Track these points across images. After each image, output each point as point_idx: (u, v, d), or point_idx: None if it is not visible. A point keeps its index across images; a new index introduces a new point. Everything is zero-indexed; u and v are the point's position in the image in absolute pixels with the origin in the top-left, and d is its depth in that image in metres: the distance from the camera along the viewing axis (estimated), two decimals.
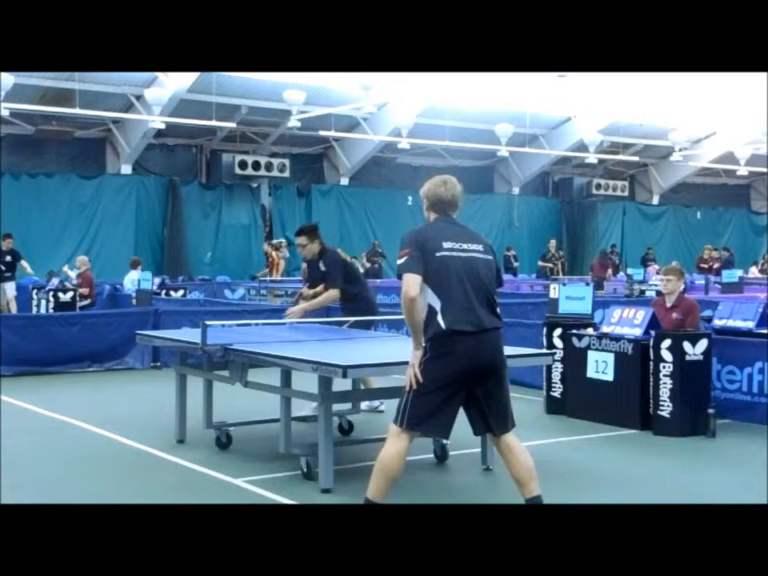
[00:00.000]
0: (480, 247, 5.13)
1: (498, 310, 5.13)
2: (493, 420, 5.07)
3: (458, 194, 5.25)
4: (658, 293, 10.65)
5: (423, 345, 4.97)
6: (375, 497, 4.98)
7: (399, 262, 4.99)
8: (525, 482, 5.05)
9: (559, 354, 8.81)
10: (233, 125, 22.75)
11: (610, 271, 23.16)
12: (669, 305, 8.62)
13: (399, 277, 5.00)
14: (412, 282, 4.89)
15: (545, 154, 27.62)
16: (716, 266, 24.65)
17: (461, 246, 5.06)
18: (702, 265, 25.08)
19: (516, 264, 26.79)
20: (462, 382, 4.94)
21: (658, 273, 17.04)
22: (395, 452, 4.96)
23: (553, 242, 26.37)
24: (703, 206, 33.27)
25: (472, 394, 5.00)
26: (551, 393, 8.96)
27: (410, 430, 4.96)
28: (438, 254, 4.97)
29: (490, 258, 5.17)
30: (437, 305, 4.95)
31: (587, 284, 13.06)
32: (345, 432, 7.81)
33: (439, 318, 4.92)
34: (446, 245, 5.02)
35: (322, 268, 8.96)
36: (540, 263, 25.47)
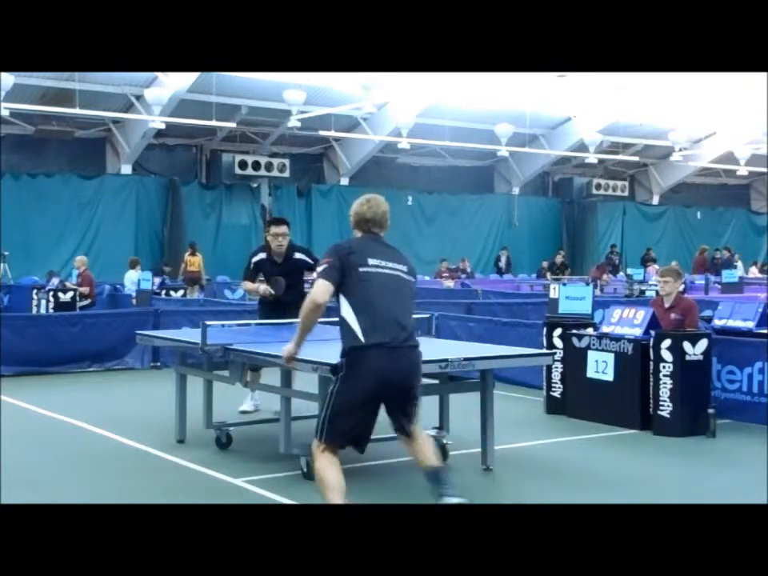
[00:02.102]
0: (404, 268, 5.17)
1: (414, 329, 5.16)
2: (397, 425, 5.12)
3: (381, 213, 5.23)
4: (657, 293, 10.65)
5: (340, 360, 4.99)
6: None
7: (318, 269, 5.07)
8: (426, 465, 5.13)
9: (559, 354, 8.81)
10: (233, 125, 22.75)
11: (605, 276, 23.10)
12: (667, 305, 8.62)
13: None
14: (323, 289, 4.94)
15: (545, 154, 27.63)
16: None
17: (385, 263, 5.08)
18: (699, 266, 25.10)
19: (501, 265, 26.84)
20: (377, 397, 4.96)
21: (657, 273, 17.01)
22: (325, 465, 4.93)
23: (559, 257, 26.33)
24: (703, 205, 33.27)
25: (386, 404, 5.05)
26: (551, 393, 8.96)
27: (331, 445, 4.96)
28: (361, 269, 5.00)
29: (412, 279, 5.22)
30: (353, 319, 4.95)
31: (587, 284, 13.07)
32: None
33: (357, 331, 4.92)
34: (371, 261, 5.05)
35: (302, 257, 8.66)
36: (549, 276, 25.31)
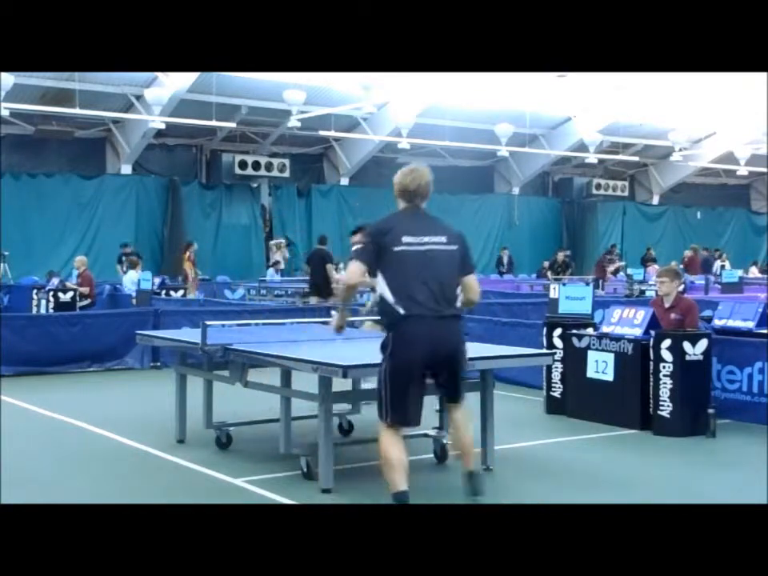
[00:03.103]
0: (443, 238, 5.29)
1: (457, 301, 5.33)
2: (446, 391, 5.43)
3: (425, 184, 5.39)
4: (657, 293, 10.65)
5: (385, 337, 5.25)
6: (394, 488, 5.14)
7: (353, 248, 5.35)
8: (461, 456, 5.48)
9: (559, 354, 8.80)
10: (233, 125, 22.75)
11: (611, 267, 23.10)
12: (667, 305, 8.61)
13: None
14: (356, 271, 5.24)
15: (545, 153, 27.62)
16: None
17: (421, 239, 5.23)
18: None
19: (503, 267, 26.81)
20: (424, 366, 5.18)
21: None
22: (389, 443, 5.19)
23: (560, 255, 26.29)
24: (703, 206, 33.26)
25: (433, 373, 5.28)
26: (551, 393, 8.96)
27: (397, 424, 5.22)
28: (395, 249, 5.17)
29: (454, 247, 5.32)
30: (390, 296, 5.17)
31: (587, 284, 13.06)
32: (345, 432, 7.81)
33: (396, 305, 5.15)
34: (405, 239, 5.20)
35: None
36: (550, 275, 25.26)
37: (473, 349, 7.34)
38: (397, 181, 5.42)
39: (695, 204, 33.11)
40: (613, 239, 30.72)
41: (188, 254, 20.17)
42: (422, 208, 5.40)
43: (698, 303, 9.30)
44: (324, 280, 15.64)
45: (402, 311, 5.11)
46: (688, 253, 25.46)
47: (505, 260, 27.16)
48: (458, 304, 5.35)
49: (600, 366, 8.40)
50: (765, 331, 8.67)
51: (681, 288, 9.03)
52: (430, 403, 7.26)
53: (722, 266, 26.85)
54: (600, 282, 20.85)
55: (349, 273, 5.31)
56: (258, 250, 25.69)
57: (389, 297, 5.17)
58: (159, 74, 20.49)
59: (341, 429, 7.77)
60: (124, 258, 20.46)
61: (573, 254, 29.99)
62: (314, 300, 15.36)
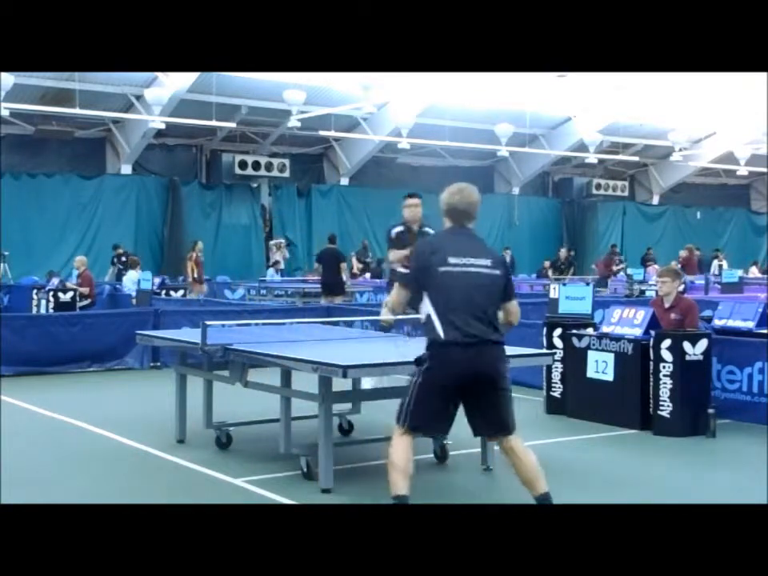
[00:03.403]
0: (488, 262, 5.23)
1: (498, 325, 5.25)
2: (486, 424, 5.28)
3: (473, 203, 5.39)
4: (657, 293, 10.65)
5: (424, 353, 5.20)
6: (395, 490, 5.13)
7: (404, 271, 5.47)
8: (529, 483, 5.17)
9: (559, 354, 8.80)
10: (233, 125, 22.75)
11: (615, 267, 23.07)
12: (667, 305, 8.61)
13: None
14: (400, 299, 5.43)
15: (545, 153, 27.63)
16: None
17: (467, 260, 5.18)
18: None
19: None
20: (458, 388, 5.13)
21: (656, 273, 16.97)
22: (399, 447, 5.17)
23: (563, 251, 26.29)
24: (703, 206, 33.26)
25: (468, 399, 5.20)
26: (551, 393, 8.96)
27: (411, 431, 5.19)
28: (440, 269, 5.14)
29: (498, 272, 5.25)
30: (434, 315, 5.14)
31: (587, 284, 13.06)
32: (345, 432, 7.81)
33: (438, 327, 5.11)
34: (451, 260, 5.16)
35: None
36: (551, 273, 25.20)
37: None
38: (445, 201, 5.40)
39: (695, 204, 33.12)
40: (613, 239, 30.72)
41: (191, 253, 20.20)
42: (469, 228, 5.37)
43: (698, 303, 9.30)
44: (337, 279, 15.76)
45: (442, 335, 5.09)
46: (683, 253, 25.44)
47: (507, 260, 27.09)
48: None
49: (600, 366, 8.40)
50: (765, 331, 8.67)
51: (681, 288, 9.02)
52: None
53: (720, 266, 26.85)
54: (605, 281, 20.78)
55: (393, 300, 5.46)
56: (258, 250, 25.70)
57: (433, 317, 5.14)
58: (159, 74, 20.50)
59: (341, 429, 7.77)
60: (116, 260, 20.48)
61: (573, 254, 30.00)
62: (325, 300, 15.37)
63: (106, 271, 21.50)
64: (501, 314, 5.34)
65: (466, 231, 5.36)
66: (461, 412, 5.26)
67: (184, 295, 17.31)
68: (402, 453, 5.16)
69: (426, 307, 5.18)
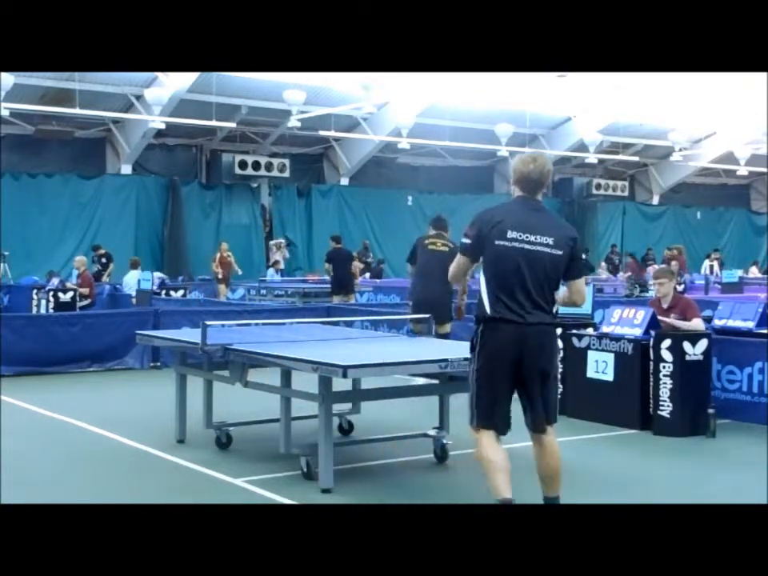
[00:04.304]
0: (550, 240, 4.96)
1: (549, 307, 5.04)
2: (530, 415, 5.10)
3: (547, 173, 5.09)
4: (655, 294, 10.64)
5: (474, 332, 5.06)
6: (496, 494, 4.93)
7: (463, 239, 5.11)
8: (545, 480, 5.19)
9: (559, 354, 8.79)
10: (233, 125, 22.76)
11: (649, 269, 22.86)
12: (665, 306, 8.59)
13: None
14: (459, 268, 5.17)
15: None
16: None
17: (526, 237, 4.93)
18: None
19: None
20: (509, 372, 4.93)
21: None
22: (486, 445, 4.98)
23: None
24: (703, 205, 33.27)
25: (520, 385, 5.02)
26: None
27: (483, 428, 5.01)
28: (497, 242, 4.91)
29: (559, 252, 4.97)
30: (485, 290, 4.97)
31: (587, 284, 13.04)
32: (345, 432, 7.81)
33: (486, 302, 4.95)
34: (509, 234, 4.92)
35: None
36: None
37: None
38: (517, 168, 5.09)
39: (695, 204, 33.12)
40: (613, 239, 30.75)
41: (215, 254, 20.33)
42: (539, 201, 5.11)
43: (698, 303, 9.30)
44: (349, 278, 15.89)
45: (488, 311, 4.90)
46: (668, 253, 25.43)
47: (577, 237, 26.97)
48: (555, 308, 5.10)
49: (600, 366, 8.40)
50: (765, 331, 8.67)
51: (681, 288, 9.02)
52: (430, 402, 7.28)
53: (711, 266, 26.88)
54: (639, 282, 20.26)
55: (453, 269, 5.22)
56: (258, 250, 25.71)
57: (484, 293, 4.94)
58: (159, 74, 20.51)
59: (341, 429, 7.77)
60: (96, 260, 20.45)
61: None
62: (336, 299, 15.41)
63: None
64: (563, 293, 5.13)
65: (535, 204, 5.08)
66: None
67: (184, 295, 17.31)
68: (492, 449, 4.93)
69: (480, 281, 4.99)
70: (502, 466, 4.92)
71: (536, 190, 5.10)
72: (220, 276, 20.05)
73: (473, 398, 5.01)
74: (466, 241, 5.05)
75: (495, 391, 4.95)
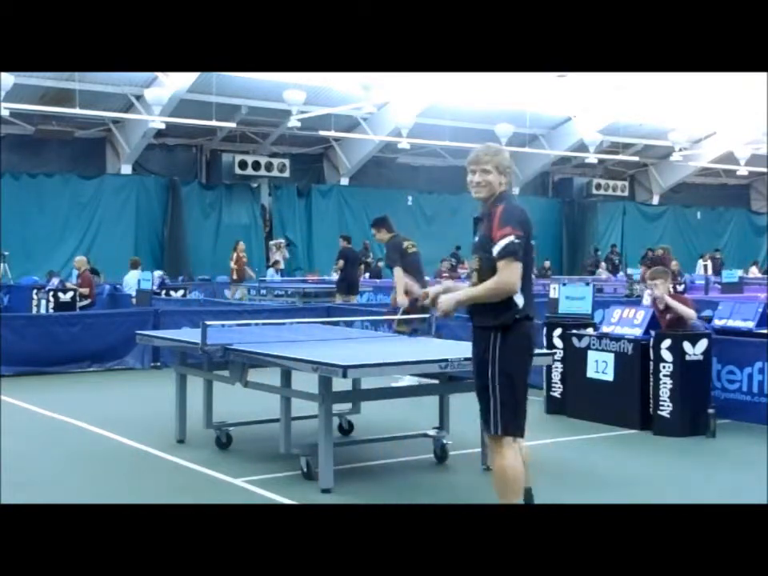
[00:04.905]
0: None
1: None
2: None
3: None
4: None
5: (500, 328, 4.62)
6: (519, 498, 4.72)
7: (511, 240, 4.56)
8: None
9: (559, 354, 8.80)
10: (233, 125, 22.76)
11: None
12: (662, 306, 8.55)
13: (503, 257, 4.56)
14: (518, 276, 4.58)
15: (545, 153, 27.63)
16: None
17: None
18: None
19: None
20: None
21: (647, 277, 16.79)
22: (515, 462, 4.66)
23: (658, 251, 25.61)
24: (703, 206, 33.28)
25: None
26: (551, 393, 8.96)
27: (513, 435, 4.70)
28: (531, 241, 4.75)
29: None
30: (520, 294, 4.65)
31: (587, 284, 13.05)
32: (345, 432, 7.81)
33: (519, 302, 4.61)
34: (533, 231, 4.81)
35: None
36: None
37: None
38: (511, 165, 4.92)
39: (695, 204, 33.13)
40: (613, 239, 30.76)
41: (232, 254, 20.33)
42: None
43: (698, 303, 9.30)
44: (357, 279, 16.32)
45: (521, 309, 4.59)
46: (650, 254, 25.44)
47: None
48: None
49: (600, 366, 8.40)
50: (765, 331, 8.67)
51: (681, 288, 9.02)
52: (430, 402, 7.28)
53: (705, 266, 26.89)
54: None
55: (515, 278, 4.56)
56: (258, 250, 25.71)
57: (518, 296, 4.60)
58: (159, 74, 20.51)
59: (341, 429, 7.77)
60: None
61: (572, 255, 30.02)
62: (341, 299, 15.40)
63: (107, 271, 21.47)
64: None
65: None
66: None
67: (184, 295, 17.32)
68: (519, 469, 4.64)
69: None
70: (521, 487, 4.69)
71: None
72: (235, 276, 20.06)
73: (508, 404, 4.60)
74: (518, 242, 4.59)
75: (526, 393, 4.72)
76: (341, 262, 16.02)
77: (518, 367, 4.66)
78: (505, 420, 4.61)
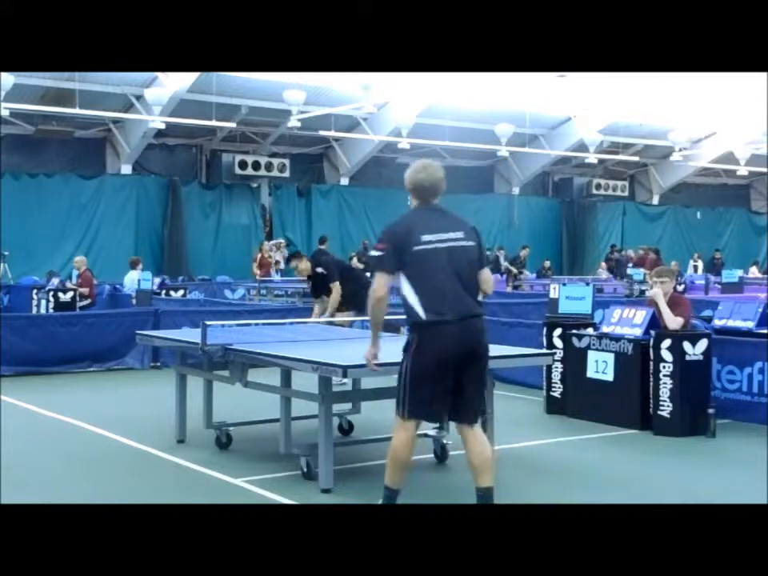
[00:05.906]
0: (461, 234, 5.21)
1: (479, 297, 5.23)
2: (463, 410, 5.18)
3: (439, 180, 5.34)
4: None
5: (408, 336, 5.18)
6: (390, 484, 5.17)
7: (373, 254, 5.17)
8: (478, 469, 5.15)
9: (559, 354, 8.80)
10: (233, 125, 22.75)
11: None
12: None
13: (371, 271, 5.21)
14: (382, 282, 5.09)
15: (545, 153, 27.61)
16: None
17: (440, 236, 5.13)
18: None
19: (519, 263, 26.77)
20: (449, 368, 5.04)
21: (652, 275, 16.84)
22: (402, 440, 5.12)
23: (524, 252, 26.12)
24: (703, 206, 33.25)
25: (457, 380, 5.11)
26: (551, 393, 8.96)
27: (411, 419, 5.12)
28: (415, 248, 5.07)
29: (472, 243, 5.22)
30: (413, 297, 5.07)
31: (587, 284, 13.06)
32: (345, 432, 7.81)
33: (418, 308, 5.05)
34: (424, 238, 5.10)
35: (322, 271, 10.03)
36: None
37: None
38: (411, 179, 5.31)
39: (695, 204, 33.10)
40: (613, 239, 30.73)
41: (255, 254, 20.32)
42: (436, 204, 5.33)
43: (697, 303, 9.30)
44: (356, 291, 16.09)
45: (424, 317, 5.02)
46: (631, 252, 25.45)
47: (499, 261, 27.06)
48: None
49: (600, 366, 8.40)
50: (765, 331, 8.67)
51: (681, 287, 9.02)
52: None
53: (696, 267, 26.87)
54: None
55: (377, 285, 5.11)
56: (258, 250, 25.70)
57: (413, 300, 5.06)
58: (159, 74, 20.49)
59: (341, 429, 7.77)
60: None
61: (572, 255, 30.00)
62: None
63: (107, 271, 21.48)
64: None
65: (434, 207, 5.33)
66: None
67: (184, 295, 17.32)
68: (406, 449, 5.12)
69: (404, 290, 5.11)
70: (406, 465, 5.18)
71: (430, 197, 5.33)
72: (258, 278, 20.07)
73: (403, 389, 5.09)
74: (379, 254, 5.13)
75: (431, 386, 5.03)
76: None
77: (414, 364, 5.07)
78: (400, 405, 5.13)
